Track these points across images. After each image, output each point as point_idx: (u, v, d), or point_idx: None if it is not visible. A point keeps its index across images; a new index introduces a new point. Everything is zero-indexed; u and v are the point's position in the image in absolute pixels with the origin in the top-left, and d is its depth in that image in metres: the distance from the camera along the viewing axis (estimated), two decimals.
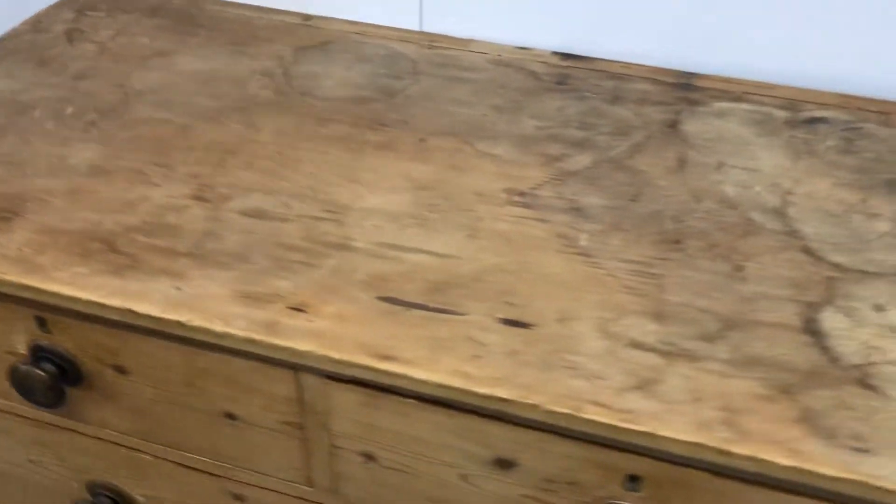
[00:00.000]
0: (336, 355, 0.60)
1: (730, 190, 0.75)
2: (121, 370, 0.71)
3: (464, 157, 0.79)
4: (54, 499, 0.87)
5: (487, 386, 0.58)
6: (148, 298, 0.64)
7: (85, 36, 0.95)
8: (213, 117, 0.83)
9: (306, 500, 0.75)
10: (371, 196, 0.74)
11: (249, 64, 0.91)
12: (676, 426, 0.55)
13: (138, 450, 0.79)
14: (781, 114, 0.84)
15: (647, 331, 0.61)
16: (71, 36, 0.95)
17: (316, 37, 0.95)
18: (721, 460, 0.54)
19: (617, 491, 0.61)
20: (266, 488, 0.76)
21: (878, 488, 0.52)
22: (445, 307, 0.63)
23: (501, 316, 0.63)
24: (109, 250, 0.68)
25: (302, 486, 0.74)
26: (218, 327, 0.61)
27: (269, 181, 0.75)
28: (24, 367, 0.71)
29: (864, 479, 0.52)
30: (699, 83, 0.89)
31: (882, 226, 0.71)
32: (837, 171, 0.77)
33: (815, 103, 0.86)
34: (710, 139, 0.81)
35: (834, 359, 0.60)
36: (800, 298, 0.64)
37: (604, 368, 0.59)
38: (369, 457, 0.68)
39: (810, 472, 0.53)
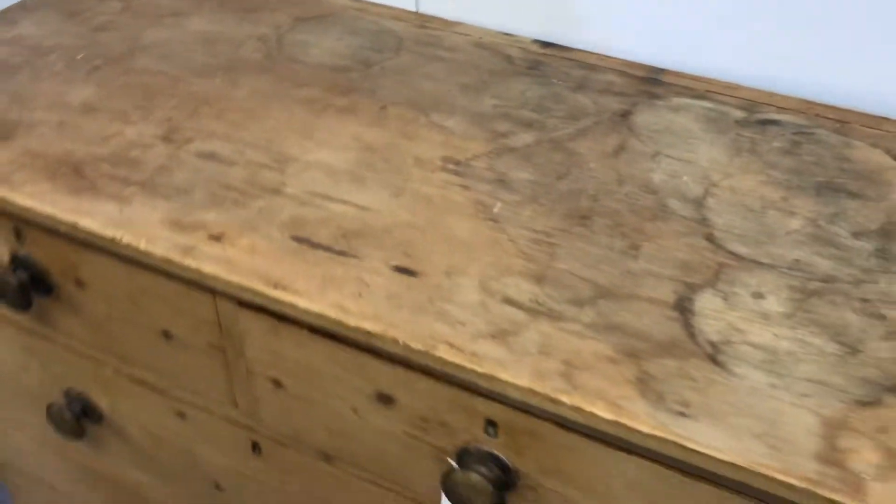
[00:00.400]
0: (234, 279, 0.66)
1: (656, 177, 0.78)
2: (80, 284, 0.80)
3: (416, 127, 0.84)
4: (37, 402, 0.98)
5: (358, 319, 0.63)
6: (93, 216, 0.72)
7: None
8: (202, 73, 0.91)
9: (234, 421, 0.82)
10: (319, 152, 0.80)
11: (250, 29, 0.99)
12: (515, 372, 0.59)
13: (100, 361, 0.88)
14: (737, 113, 0.86)
15: (523, 290, 0.66)
16: None
17: (317, 9, 1.03)
18: (551, 408, 0.58)
19: (480, 435, 0.66)
20: (201, 408, 0.84)
21: (686, 448, 0.55)
22: (347, 251, 0.69)
23: (395, 264, 0.68)
24: (75, 174, 0.77)
25: (230, 408, 0.81)
26: (142, 246, 0.69)
27: (231, 131, 0.83)
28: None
29: (673, 438, 0.55)
30: (666, 79, 0.91)
31: (794, 223, 0.73)
32: (772, 170, 0.79)
33: (776, 106, 0.87)
34: (656, 130, 0.84)
35: (692, 335, 0.62)
36: (683, 279, 0.67)
37: (469, 317, 0.63)
38: (277, 383, 0.74)
39: (627, 427, 0.56)
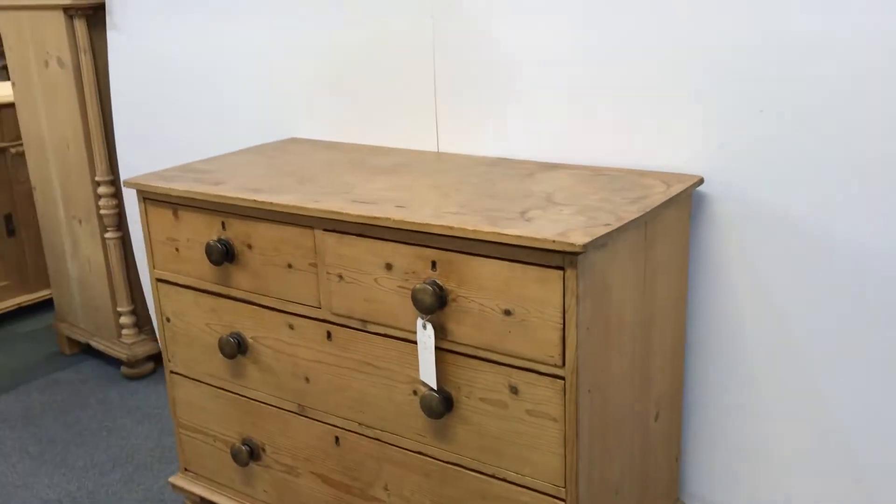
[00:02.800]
0: (323, 207, 1.46)
1: (535, 188, 1.56)
2: (250, 246, 1.61)
3: (421, 177, 1.66)
4: (212, 351, 1.74)
5: (375, 216, 1.41)
6: (262, 197, 1.55)
7: (277, 148, 1.97)
8: (318, 168, 1.78)
9: (319, 319, 1.57)
10: (371, 185, 1.63)
11: (346, 159, 1.87)
12: (439, 223, 1.34)
13: (254, 303, 1.65)
14: (590, 174, 1.65)
15: (453, 209, 1.42)
16: (274, 148, 1.97)
17: (382, 154, 1.91)
18: (449, 233, 1.32)
19: (430, 273, 1.39)
20: (301, 315, 1.59)
21: (501, 234, 1.27)
22: (375, 202, 1.48)
23: (396, 205, 1.47)
24: (253, 190, 1.61)
25: (318, 309, 1.56)
26: (283, 201, 1.51)
27: (329, 178, 1.67)
28: (211, 243, 1.63)
29: (499, 230, 1.28)
30: (561, 166, 1.71)
31: (595, 197, 1.48)
32: (595, 185, 1.55)
33: (611, 169, 1.65)
34: (543, 178, 1.63)
35: (523, 216, 1.37)
36: (529, 208, 1.42)
37: (426, 214, 1.40)
38: (340, 277, 1.50)
39: (481, 231, 1.30)
